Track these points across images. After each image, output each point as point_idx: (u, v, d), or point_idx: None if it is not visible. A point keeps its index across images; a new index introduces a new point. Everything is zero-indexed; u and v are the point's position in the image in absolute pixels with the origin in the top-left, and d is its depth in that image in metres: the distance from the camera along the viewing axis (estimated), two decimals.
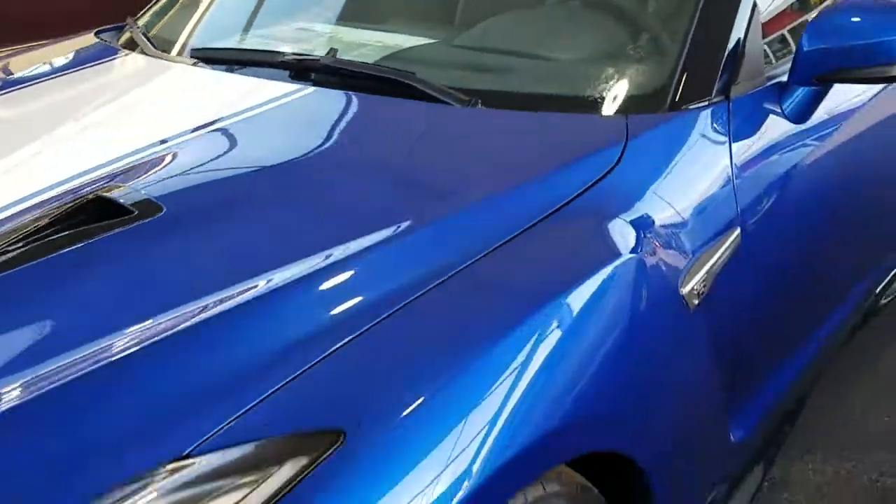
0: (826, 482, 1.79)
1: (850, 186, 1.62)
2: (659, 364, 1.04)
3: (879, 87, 1.60)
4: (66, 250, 0.94)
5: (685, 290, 1.11)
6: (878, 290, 2.15)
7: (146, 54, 1.63)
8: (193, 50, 1.60)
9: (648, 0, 1.47)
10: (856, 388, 2.12)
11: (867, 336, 2.26)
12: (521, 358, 0.85)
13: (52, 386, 0.77)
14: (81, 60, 1.70)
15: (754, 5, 1.41)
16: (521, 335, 0.87)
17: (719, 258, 1.20)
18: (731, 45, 1.36)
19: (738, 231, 1.24)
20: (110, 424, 0.73)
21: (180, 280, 0.92)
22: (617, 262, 0.99)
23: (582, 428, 0.88)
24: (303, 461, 0.68)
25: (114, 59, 1.65)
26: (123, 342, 0.80)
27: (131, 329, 0.81)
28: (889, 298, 2.24)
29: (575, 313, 0.91)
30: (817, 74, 1.36)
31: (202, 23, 1.77)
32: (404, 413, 0.75)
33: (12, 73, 1.72)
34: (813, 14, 1.54)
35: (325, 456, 0.69)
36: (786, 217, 1.38)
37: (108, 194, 1.03)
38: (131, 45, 1.71)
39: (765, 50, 1.44)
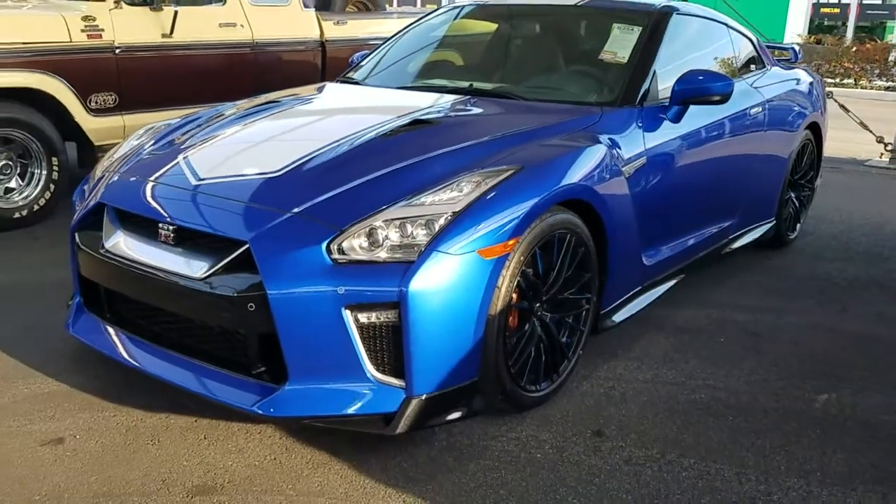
0: (693, 317, 3.51)
1: (700, 153, 3.40)
2: (610, 188, 2.78)
3: (716, 108, 3.40)
4: (411, 132, 2.77)
5: (623, 169, 2.88)
6: (733, 236, 3.96)
7: (374, 86, 3.50)
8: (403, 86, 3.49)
9: (613, 68, 3.32)
10: (721, 287, 3.89)
11: (728, 264, 4.07)
12: (559, 165, 2.60)
13: (421, 158, 2.53)
14: (342, 90, 3.57)
15: (654, 71, 3.25)
16: (564, 158, 2.63)
17: (637, 164, 2.97)
18: (644, 86, 3.19)
19: (645, 157, 3.03)
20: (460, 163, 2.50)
21: (461, 135, 2.74)
22: (598, 146, 2.76)
23: (576, 186, 2.60)
24: (511, 170, 2.43)
25: (361, 88, 3.55)
26: (451, 148, 2.60)
27: (456, 145, 2.63)
28: (739, 245, 4.04)
29: (582, 156, 2.67)
30: (682, 99, 3.20)
31: (386, 72, 3.64)
32: (536, 167, 2.51)
33: (317, 93, 3.56)
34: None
35: (519, 170, 2.43)
36: (666, 157, 3.16)
37: (421, 118, 2.88)
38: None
39: (658, 89, 3.27)
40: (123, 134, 4.76)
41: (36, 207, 4.47)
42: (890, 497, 2.26)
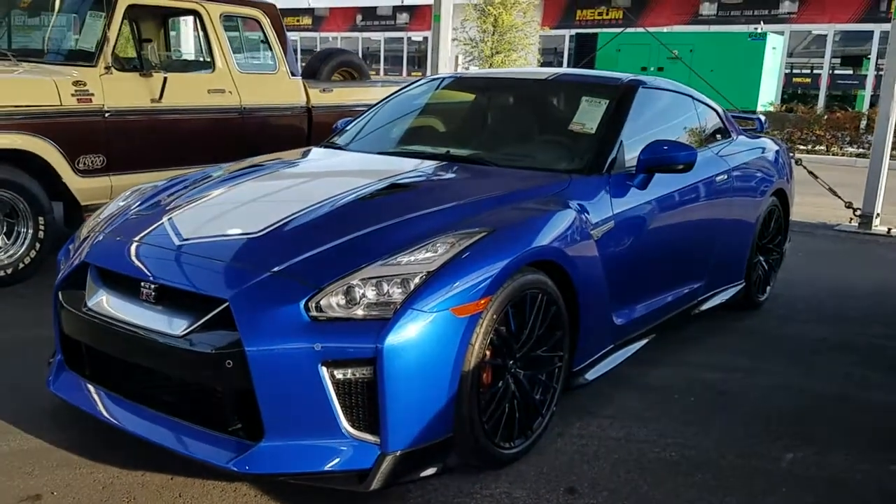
0: (664, 377, 3.59)
1: (666, 218, 3.53)
2: (579, 250, 2.90)
3: (681, 176, 3.55)
4: (389, 195, 2.89)
5: (592, 232, 3.00)
6: (702, 297, 4.07)
7: (356, 151, 3.63)
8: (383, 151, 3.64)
9: (582, 138, 3.48)
10: (692, 347, 3.98)
11: (699, 325, 4.17)
12: (530, 228, 2.71)
13: (385, 224, 2.63)
14: (325, 154, 3.69)
15: (621, 141, 3.41)
16: (535, 221, 2.75)
17: (605, 228, 3.09)
18: (611, 156, 3.34)
19: (613, 221, 3.15)
20: (435, 225, 2.61)
21: (436, 199, 2.86)
22: (567, 210, 2.88)
23: (546, 248, 2.70)
24: (484, 232, 2.53)
25: (344, 153, 3.66)
26: (427, 209, 2.69)
27: (436, 207, 2.75)
28: (709, 306, 4.15)
29: (552, 220, 2.79)
30: (647, 168, 3.35)
31: (367, 138, 3.77)
32: (507, 229, 2.62)
33: (303, 158, 3.69)
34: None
35: (491, 232, 2.54)
36: (633, 222, 3.29)
37: (399, 182, 3.00)
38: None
39: (625, 157, 3.42)
40: (110, 194, 4.85)
41: (21, 266, 4.52)
42: None
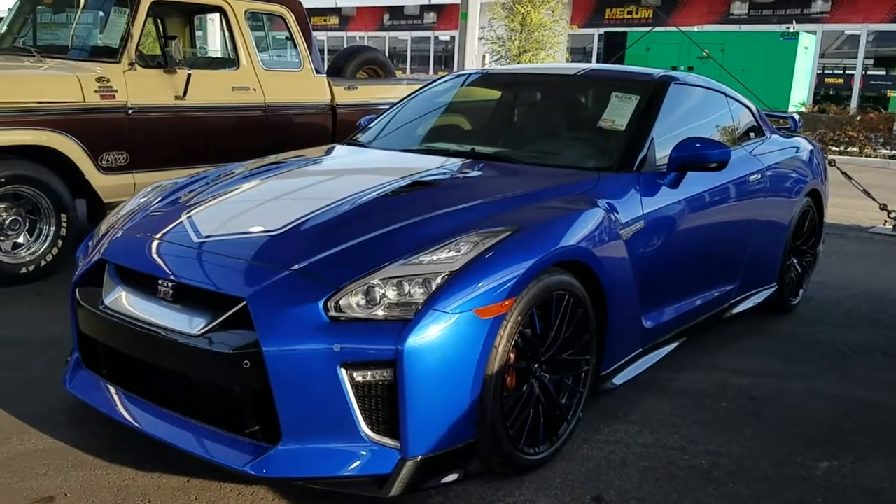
0: (695, 381, 3.48)
1: (698, 218, 3.42)
2: (608, 250, 2.80)
3: (714, 174, 3.44)
4: (412, 192, 2.82)
5: (621, 232, 2.90)
6: (734, 300, 3.95)
7: (379, 149, 3.56)
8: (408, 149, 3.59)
9: (611, 135, 3.38)
10: (723, 351, 3.86)
11: (731, 328, 4.05)
12: (556, 227, 2.63)
13: (402, 224, 2.56)
14: (348, 151, 3.64)
15: (652, 138, 3.31)
16: (562, 220, 2.66)
17: (635, 228, 3.00)
18: (641, 153, 3.24)
19: (643, 221, 3.05)
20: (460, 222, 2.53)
21: (461, 197, 2.78)
22: (596, 209, 2.79)
23: (574, 248, 2.61)
24: (509, 231, 2.45)
25: (367, 150, 3.62)
26: (445, 209, 2.61)
27: (454, 206, 2.66)
28: (741, 309, 4.03)
29: (579, 219, 2.70)
30: (679, 166, 3.24)
31: (391, 136, 3.71)
32: (533, 228, 2.53)
33: (327, 154, 3.64)
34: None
35: (517, 231, 2.46)
36: (664, 222, 3.18)
37: (422, 180, 2.93)
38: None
39: (655, 155, 3.32)
40: (133, 192, 4.83)
41: (43, 263, 4.52)
42: None
